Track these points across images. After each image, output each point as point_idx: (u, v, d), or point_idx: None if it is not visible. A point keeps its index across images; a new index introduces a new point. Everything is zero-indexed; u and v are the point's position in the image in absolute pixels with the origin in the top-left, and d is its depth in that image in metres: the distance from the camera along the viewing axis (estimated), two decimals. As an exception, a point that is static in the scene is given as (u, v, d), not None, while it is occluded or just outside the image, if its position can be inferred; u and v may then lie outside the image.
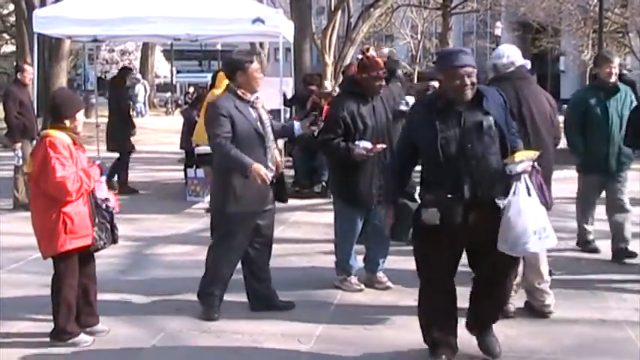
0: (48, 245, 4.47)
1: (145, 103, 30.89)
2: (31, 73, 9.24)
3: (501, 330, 4.51)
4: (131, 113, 11.74)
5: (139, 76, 30.27)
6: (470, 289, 4.29)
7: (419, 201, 4.16)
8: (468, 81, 3.89)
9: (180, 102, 33.02)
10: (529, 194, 3.90)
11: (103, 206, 4.64)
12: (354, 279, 5.70)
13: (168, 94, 35.63)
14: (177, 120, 17.77)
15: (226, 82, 5.24)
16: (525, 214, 3.85)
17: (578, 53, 31.54)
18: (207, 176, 9.09)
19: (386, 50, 7.74)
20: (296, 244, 7.19)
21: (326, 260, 6.29)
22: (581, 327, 4.88)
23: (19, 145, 8.78)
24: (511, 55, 5.05)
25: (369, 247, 5.77)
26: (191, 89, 31.48)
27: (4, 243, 7.20)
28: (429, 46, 37.59)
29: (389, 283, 5.71)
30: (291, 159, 10.76)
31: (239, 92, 4.95)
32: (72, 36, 12.41)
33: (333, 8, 18.01)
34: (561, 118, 5.46)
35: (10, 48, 37.96)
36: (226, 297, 5.12)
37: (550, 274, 5.25)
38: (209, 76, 17.02)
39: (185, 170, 10.12)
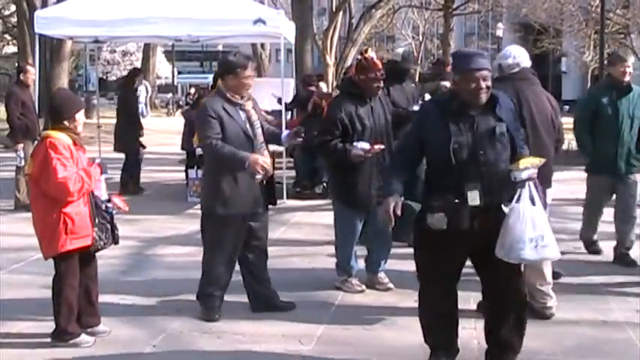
0: (49, 246, 4.47)
1: (146, 104, 30.88)
2: (33, 74, 9.24)
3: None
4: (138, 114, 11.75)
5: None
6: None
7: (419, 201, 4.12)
8: (483, 84, 3.82)
9: (181, 103, 32.98)
10: (533, 203, 3.82)
11: (103, 207, 4.64)
12: (355, 280, 5.69)
13: (170, 95, 35.57)
14: (178, 121, 17.75)
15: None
16: (524, 220, 3.79)
17: (580, 54, 31.57)
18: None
19: (400, 50, 7.66)
20: (297, 245, 7.19)
21: (327, 261, 6.28)
22: (583, 328, 4.87)
23: (21, 145, 8.78)
24: (517, 56, 5.02)
25: (371, 249, 5.76)
26: (192, 90, 31.40)
27: (5, 244, 7.21)
28: (430, 47, 37.65)
29: (390, 284, 5.70)
30: (292, 160, 10.75)
31: (227, 95, 4.91)
32: (73, 37, 12.43)
33: (334, 9, 18.02)
34: (563, 120, 5.42)
35: (11, 49, 38.04)
36: (227, 297, 5.12)
37: (558, 276, 5.23)
38: (210, 77, 17.02)
39: (186, 171, 10.12)
